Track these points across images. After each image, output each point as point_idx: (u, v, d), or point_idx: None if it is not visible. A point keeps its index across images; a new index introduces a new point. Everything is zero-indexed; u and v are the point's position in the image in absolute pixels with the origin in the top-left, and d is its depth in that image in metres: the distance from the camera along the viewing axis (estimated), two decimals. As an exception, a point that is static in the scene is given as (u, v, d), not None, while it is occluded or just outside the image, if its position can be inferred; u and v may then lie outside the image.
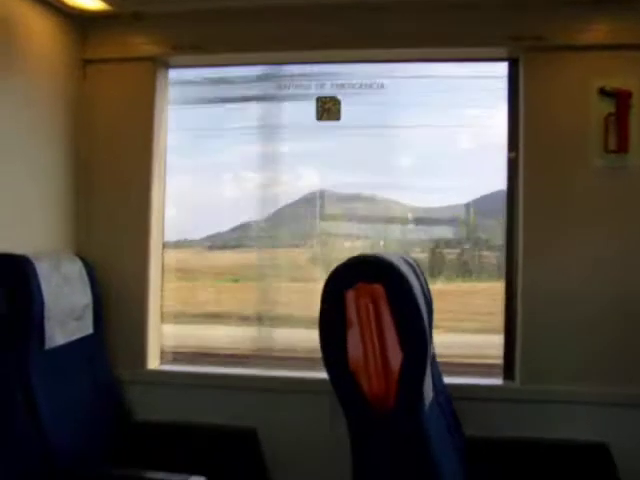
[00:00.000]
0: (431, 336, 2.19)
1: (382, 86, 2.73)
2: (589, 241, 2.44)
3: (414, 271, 1.87)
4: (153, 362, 2.74)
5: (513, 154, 2.57)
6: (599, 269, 2.43)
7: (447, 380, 2.37)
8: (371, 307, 1.42)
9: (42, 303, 2.18)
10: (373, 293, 1.43)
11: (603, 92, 2.43)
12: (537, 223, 2.48)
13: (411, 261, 2.05)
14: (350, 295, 1.44)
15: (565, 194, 2.46)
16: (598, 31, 2.43)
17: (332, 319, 1.47)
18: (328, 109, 2.69)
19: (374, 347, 1.43)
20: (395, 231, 2.89)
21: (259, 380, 2.67)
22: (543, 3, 2.42)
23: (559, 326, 2.44)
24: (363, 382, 1.43)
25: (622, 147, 2.41)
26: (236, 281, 3.06)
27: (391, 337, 1.43)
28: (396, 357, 1.43)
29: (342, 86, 2.73)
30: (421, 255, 2.82)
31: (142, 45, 2.67)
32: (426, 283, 2.17)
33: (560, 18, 2.43)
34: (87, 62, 2.72)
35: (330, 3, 2.49)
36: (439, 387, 2.07)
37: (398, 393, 1.43)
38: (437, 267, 2.84)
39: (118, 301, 2.65)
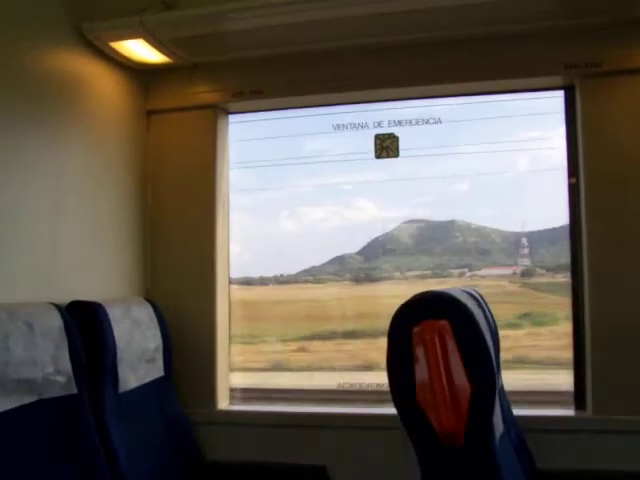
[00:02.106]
0: (499, 368, 2.18)
1: (439, 120, 2.75)
2: None
3: (479, 304, 1.87)
4: (223, 402, 2.77)
5: (574, 180, 2.55)
6: None
7: (517, 412, 2.34)
8: (438, 343, 1.43)
9: (115, 348, 2.25)
10: (439, 329, 1.44)
11: (664, 114, 2.40)
12: (602, 251, 2.44)
13: (475, 294, 2.05)
14: (417, 332, 1.46)
15: (631, 220, 2.42)
16: None
17: (399, 357, 1.48)
18: (387, 147, 2.72)
19: (442, 383, 1.43)
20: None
21: (328, 418, 2.68)
22: (596, 28, 2.41)
23: (630, 353, 2.38)
24: (432, 418, 1.44)
25: (688, 170, 2.37)
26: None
27: (458, 372, 1.44)
28: (464, 392, 1.43)
29: (399, 122, 2.76)
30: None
31: (202, 94, 2.76)
32: (491, 315, 2.17)
33: (614, 42, 2.42)
34: (150, 113, 2.83)
35: (384, 42, 2.54)
36: (509, 419, 2.05)
37: (468, 428, 1.43)
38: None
39: (187, 342, 2.70)
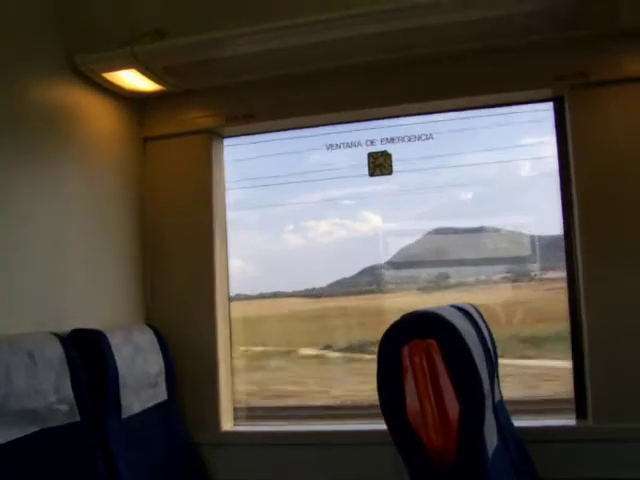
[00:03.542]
0: (498, 381, 2.20)
1: (431, 136, 2.78)
2: None
3: (472, 321, 1.89)
4: (227, 423, 2.79)
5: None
6: None
7: (518, 423, 2.35)
8: (425, 362, 1.45)
9: (117, 374, 2.28)
10: (427, 349, 1.46)
11: (652, 123, 2.42)
12: (597, 261, 2.45)
13: (470, 309, 2.07)
14: (405, 351, 1.48)
15: (624, 229, 2.43)
16: None
17: (389, 375, 1.51)
18: (380, 165, 2.75)
19: (431, 401, 1.45)
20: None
21: (333, 435, 2.69)
22: (583, 41, 2.43)
23: (630, 360, 2.39)
24: (422, 436, 1.46)
25: (680, 178, 2.39)
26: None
27: (447, 390, 1.46)
28: (453, 410, 1.45)
29: (392, 140, 2.79)
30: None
31: (197, 119, 2.81)
32: (488, 329, 2.18)
33: (600, 54, 2.45)
34: (146, 139, 2.88)
35: (373, 61, 2.56)
36: (507, 431, 2.06)
37: (458, 445, 1.44)
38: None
39: (189, 365, 2.74)
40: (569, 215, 2.56)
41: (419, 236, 3.02)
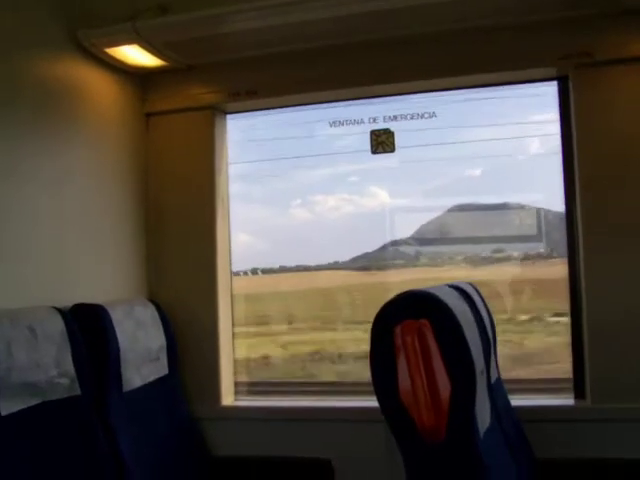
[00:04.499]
0: (496, 360, 2.21)
1: (434, 114, 2.77)
2: None
3: (469, 300, 1.89)
4: (227, 398, 2.82)
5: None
6: None
7: (515, 402, 2.37)
8: (417, 342, 1.47)
9: (118, 349, 2.30)
10: (419, 328, 1.47)
11: (658, 103, 2.40)
12: (598, 239, 2.45)
13: (469, 289, 2.07)
14: (398, 331, 1.49)
15: (627, 208, 2.42)
16: None
17: (382, 355, 1.52)
18: (382, 142, 2.74)
19: (423, 380, 1.46)
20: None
21: (333, 411, 2.72)
22: (588, 19, 2.41)
23: (629, 342, 2.39)
24: (414, 415, 1.47)
25: (684, 158, 2.37)
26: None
27: (439, 370, 1.47)
28: (445, 389, 1.46)
29: (395, 118, 2.78)
30: None
31: (199, 95, 2.80)
32: (487, 309, 2.19)
33: (606, 32, 2.42)
34: (149, 115, 2.88)
35: (376, 38, 2.55)
36: (503, 411, 2.07)
37: (449, 424, 1.46)
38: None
39: (191, 339, 2.76)
40: (571, 195, 2.56)
41: (438, 212, 3.03)
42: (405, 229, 3.06)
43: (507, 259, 2.97)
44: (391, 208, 2.97)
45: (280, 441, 2.66)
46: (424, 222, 3.07)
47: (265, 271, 3.14)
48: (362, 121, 2.81)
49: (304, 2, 2.24)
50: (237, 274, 3.02)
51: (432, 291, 1.57)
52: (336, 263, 3.12)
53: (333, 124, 2.87)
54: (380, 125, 2.79)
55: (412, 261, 3.05)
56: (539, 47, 2.48)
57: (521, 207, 2.91)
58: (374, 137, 2.76)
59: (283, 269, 3.17)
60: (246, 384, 2.94)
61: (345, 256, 3.12)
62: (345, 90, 2.72)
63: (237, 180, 2.97)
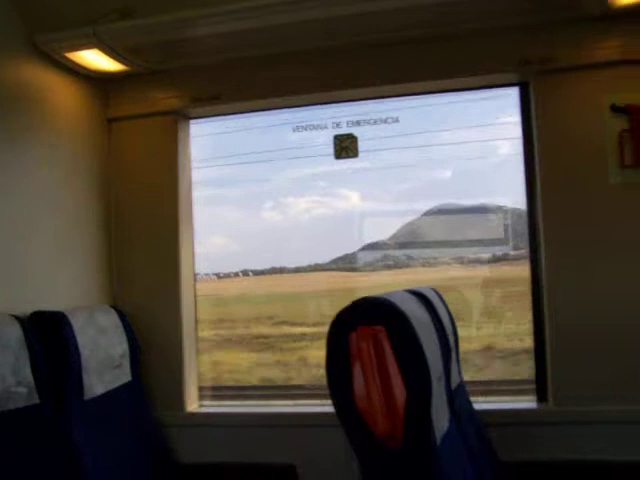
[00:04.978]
0: (459, 365, 2.22)
1: (397, 120, 2.78)
2: (612, 257, 2.43)
3: (428, 305, 1.90)
4: (192, 404, 2.81)
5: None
6: (626, 285, 2.42)
7: (479, 406, 2.39)
8: (373, 349, 1.46)
9: (79, 356, 2.28)
10: (375, 335, 1.47)
11: (615, 109, 2.43)
12: (558, 241, 2.48)
13: (430, 294, 2.07)
14: (353, 338, 1.49)
15: (585, 212, 2.46)
16: (607, 48, 2.43)
17: (338, 362, 1.51)
18: (346, 147, 2.75)
19: (378, 387, 1.46)
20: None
21: (298, 417, 2.71)
22: (550, 24, 2.44)
23: (591, 345, 2.42)
24: (370, 422, 1.47)
25: (638, 162, 2.40)
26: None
27: (395, 376, 1.47)
28: (401, 395, 1.46)
29: (358, 123, 2.79)
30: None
31: (162, 100, 2.78)
32: (449, 313, 2.20)
33: (568, 38, 2.45)
34: (111, 120, 2.85)
35: (339, 44, 2.56)
36: (464, 415, 2.08)
37: (405, 431, 1.46)
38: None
39: (155, 346, 2.74)
40: (533, 198, 2.59)
41: (409, 216, 3.04)
42: (376, 232, 3.07)
43: (477, 261, 2.99)
44: (361, 211, 2.97)
45: (245, 447, 2.65)
46: (396, 225, 3.08)
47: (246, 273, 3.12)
48: (325, 126, 2.81)
49: (266, 7, 2.24)
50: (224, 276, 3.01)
51: (389, 297, 1.57)
52: (317, 265, 3.12)
53: (297, 129, 2.86)
54: (344, 130, 2.79)
55: (396, 264, 3.06)
56: (500, 53, 2.51)
57: (491, 209, 2.93)
58: (338, 142, 2.77)
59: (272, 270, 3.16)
60: (211, 389, 2.92)
61: (324, 258, 3.12)
62: (308, 95, 2.72)
63: (209, 183, 2.96)
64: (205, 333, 2.99)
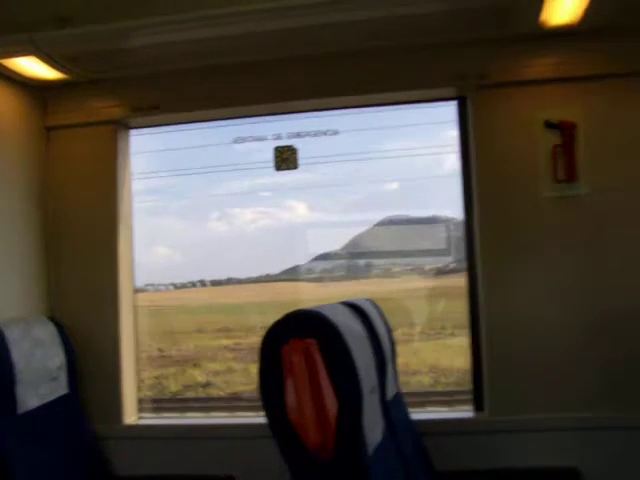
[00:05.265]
0: (396, 376, 2.25)
1: (336, 132, 2.81)
2: (544, 268, 2.49)
3: (364, 318, 1.92)
4: (131, 416, 2.78)
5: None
6: (557, 297, 2.48)
7: (416, 416, 2.42)
8: (304, 362, 1.47)
9: (10, 369, 2.23)
10: (307, 348, 1.48)
11: (548, 124, 2.49)
12: (493, 253, 2.53)
13: (366, 305, 2.09)
14: (285, 351, 1.50)
15: (519, 225, 2.51)
16: (540, 66, 2.50)
17: (270, 374, 1.52)
18: (286, 159, 2.76)
19: (310, 400, 1.47)
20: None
21: (236, 428, 2.70)
22: (486, 41, 2.49)
23: (524, 355, 2.47)
24: (302, 433, 1.48)
25: (570, 176, 2.47)
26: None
27: (326, 389, 1.48)
28: (332, 408, 1.48)
29: (298, 134, 2.81)
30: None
31: (102, 109, 2.75)
32: (386, 325, 2.23)
33: (504, 55, 2.51)
34: (50, 129, 2.81)
35: (277, 58, 2.57)
36: (400, 426, 2.10)
37: (336, 442, 1.47)
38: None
39: (93, 358, 2.70)
40: (470, 213, 2.63)
41: (357, 227, 3.07)
42: (326, 243, 3.09)
43: (422, 273, 3.04)
44: (310, 222, 2.99)
45: (184, 459, 2.63)
46: (347, 236, 3.11)
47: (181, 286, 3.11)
48: (265, 138, 2.82)
49: (206, 19, 2.23)
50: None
51: (321, 310, 1.58)
52: (268, 276, 3.12)
53: (236, 140, 2.87)
54: (284, 142, 2.80)
55: (348, 274, 3.08)
56: (438, 68, 2.56)
57: (441, 221, 2.97)
58: (278, 154, 2.77)
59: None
60: (150, 401, 2.89)
61: (275, 268, 3.13)
62: (248, 107, 2.73)
63: (152, 193, 2.94)
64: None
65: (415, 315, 3.11)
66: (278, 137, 2.81)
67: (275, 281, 3.14)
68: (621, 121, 2.47)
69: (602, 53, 2.44)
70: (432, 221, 3.02)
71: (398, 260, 3.12)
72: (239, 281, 3.17)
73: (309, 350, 1.48)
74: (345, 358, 1.51)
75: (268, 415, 1.55)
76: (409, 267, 3.11)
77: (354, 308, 1.94)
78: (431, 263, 3.08)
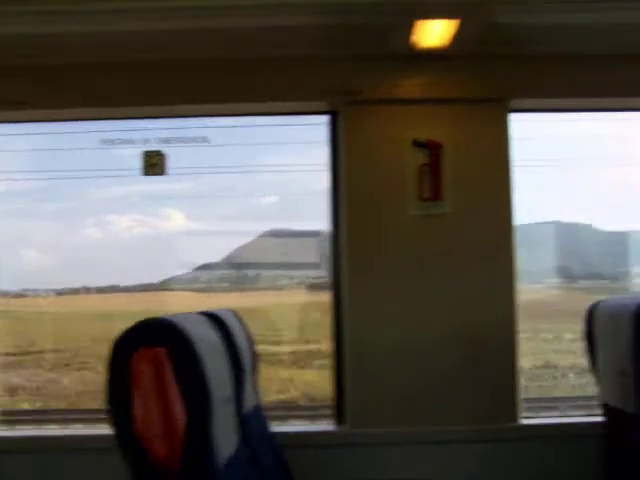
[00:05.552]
0: (256, 387, 2.22)
1: (205, 139, 2.78)
2: (404, 285, 2.55)
3: (222, 328, 1.88)
4: None
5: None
6: (413, 312, 2.54)
7: (278, 429, 2.40)
8: (153, 371, 1.42)
9: None
10: (156, 357, 1.43)
11: (416, 144, 2.55)
12: (359, 269, 2.56)
13: (226, 316, 2.05)
14: (134, 360, 1.44)
15: (386, 241, 2.55)
16: (410, 86, 2.57)
17: (117, 384, 1.46)
18: (154, 164, 2.69)
19: (157, 410, 1.42)
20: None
21: (97, 439, 2.56)
22: (359, 58, 2.53)
23: (384, 369, 2.52)
24: (148, 446, 1.42)
25: (436, 195, 2.54)
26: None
27: (175, 399, 1.43)
28: (181, 419, 1.43)
29: (167, 140, 2.75)
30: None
31: None
32: (248, 336, 2.19)
33: (375, 73, 2.55)
34: None
35: (148, 60, 2.50)
36: (258, 437, 2.07)
37: (184, 454, 1.43)
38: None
39: None
40: (337, 228, 2.65)
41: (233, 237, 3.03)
42: (206, 253, 3.05)
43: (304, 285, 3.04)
44: (188, 231, 2.93)
45: (42, 474, 2.49)
46: (229, 247, 3.07)
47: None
48: (133, 142, 2.75)
49: (70, 13, 2.14)
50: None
51: (173, 319, 1.53)
52: (150, 285, 3.03)
53: (104, 142, 2.78)
54: (153, 147, 2.74)
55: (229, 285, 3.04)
56: (311, 81, 2.57)
57: (323, 234, 2.98)
58: (147, 158, 2.70)
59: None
60: (2, 413, 2.73)
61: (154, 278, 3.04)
62: (114, 109, 2.65)
63: (20, 196, 2.79)
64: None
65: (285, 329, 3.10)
66: (147, 142, 2.74)
67: (155, 290, 3.06)
68: (480, 143, 2.56)
69: (467, 77, 2.53)
70: (315, 235, 3.03)
71: (281, 272, 3.12)
72: (118, 289, 3.06)
73: (159, 359, 1.43)
74: (195, 367, 1.47)
75: (114, 426, 1.48)
76: (294, 280, 3.10)
77: (213, 318, 1.90)
78: (312, 276, 3.09)
